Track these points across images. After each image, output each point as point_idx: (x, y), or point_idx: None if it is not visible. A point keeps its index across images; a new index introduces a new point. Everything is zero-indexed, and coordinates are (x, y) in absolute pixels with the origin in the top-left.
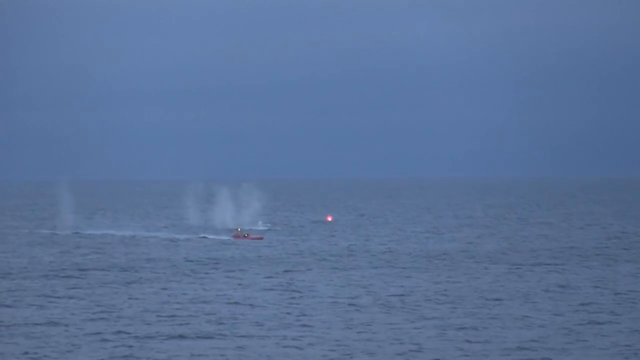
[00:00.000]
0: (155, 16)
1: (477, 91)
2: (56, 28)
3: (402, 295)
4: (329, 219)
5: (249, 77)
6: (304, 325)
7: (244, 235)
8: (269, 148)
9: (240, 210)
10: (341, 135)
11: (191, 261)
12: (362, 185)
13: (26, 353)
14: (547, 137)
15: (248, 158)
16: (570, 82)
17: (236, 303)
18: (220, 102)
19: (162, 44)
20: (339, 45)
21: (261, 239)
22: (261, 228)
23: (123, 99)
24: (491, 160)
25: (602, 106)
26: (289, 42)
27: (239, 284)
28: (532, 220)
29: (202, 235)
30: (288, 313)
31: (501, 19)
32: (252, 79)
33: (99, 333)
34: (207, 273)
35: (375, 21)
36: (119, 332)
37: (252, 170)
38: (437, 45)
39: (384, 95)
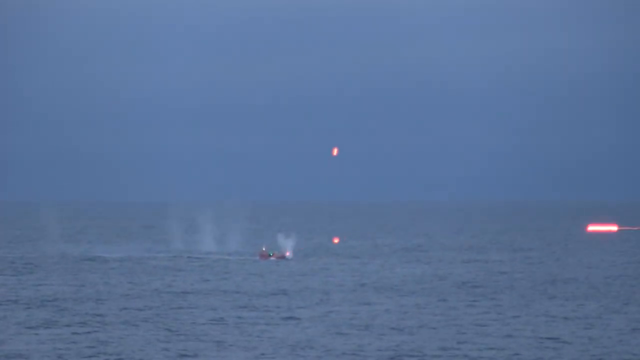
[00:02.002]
0: (179, 34)
1: (492, 114)
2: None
3: (444, 319)
4: (336, 240)
5: (268, 96)
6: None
7: (270, 255)
8: (282, 169)
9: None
10: (347, 157)
11: (234, 288)
12: (374, 209)
13: None
14: (565, 160)
15: (268, 179)
16: (591, 106)
17: (277, 324)
18: (238, 122)
19: (183, 63)
20: (350, 67)
21: (284, 257)
22: (289, 253)
23: (149, 119)
24: (509, 184)
25: (626, 130)
26: (304, 59)
27: (266, 308)
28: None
29: (226, 257)
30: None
31: (519, 39)
32: (268, 99)
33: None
34: (247, 297)
35: (386, 42)
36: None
37: (272, 192)
38: (454, 67)
39: (391, 117)
